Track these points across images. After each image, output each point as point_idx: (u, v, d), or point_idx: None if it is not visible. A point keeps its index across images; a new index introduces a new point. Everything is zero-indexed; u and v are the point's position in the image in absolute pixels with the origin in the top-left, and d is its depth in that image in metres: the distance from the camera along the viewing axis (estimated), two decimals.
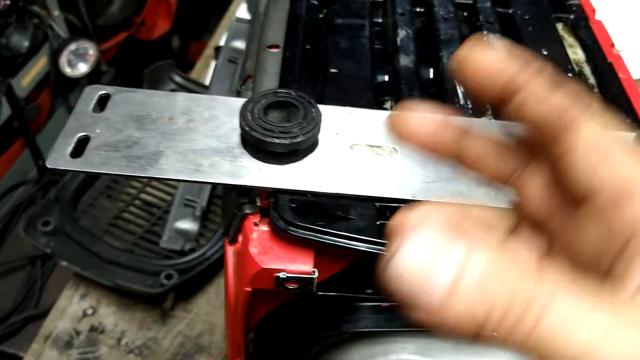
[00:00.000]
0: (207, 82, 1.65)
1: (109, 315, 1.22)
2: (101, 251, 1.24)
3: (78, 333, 1.20)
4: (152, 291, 1.17)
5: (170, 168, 0.55)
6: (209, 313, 1.23)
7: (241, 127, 0.56)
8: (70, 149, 0.56)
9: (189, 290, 1.25)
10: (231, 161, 0.56)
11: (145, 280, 1.19)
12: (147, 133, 0.58)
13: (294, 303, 0.59)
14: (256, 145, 0.56)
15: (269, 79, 0.67)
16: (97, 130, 0.58)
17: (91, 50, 2.11)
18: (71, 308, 1.24)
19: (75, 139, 0.56)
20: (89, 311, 1.23)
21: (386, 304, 0.61)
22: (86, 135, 0.57)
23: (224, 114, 0.61)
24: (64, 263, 1.24)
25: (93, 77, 2.17)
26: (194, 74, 1.74)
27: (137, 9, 2.32)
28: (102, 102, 0.61)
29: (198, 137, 0.58)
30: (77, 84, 2.16)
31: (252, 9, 0.86)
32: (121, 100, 0.61)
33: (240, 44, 1.52)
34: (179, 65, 1.68)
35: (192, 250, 1.26)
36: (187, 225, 1.30)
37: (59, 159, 0.55)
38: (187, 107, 0.61)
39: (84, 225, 1.31)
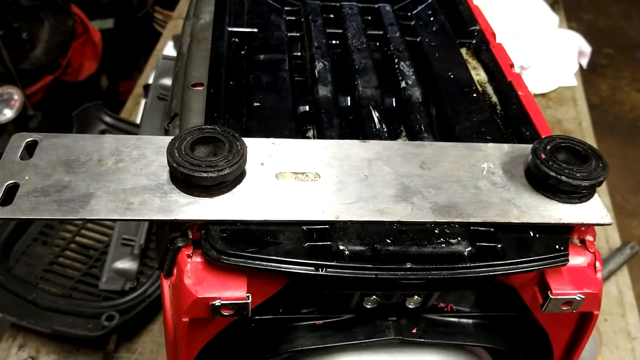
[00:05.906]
0: (138, 120, 1.65)
1: None
2: (37, 299, 1.21)
3: None
4: (93, 334, 1.15)
5: (101, 208, 0.57)
6: (153, 351, 1.22)
7: (169, 163, 0.59)
8: None
9: (131, 329, 1.24)
10: (161, 197, 0.58)
11: (85, 324, 1.17)
12: (77, 176, 0.60)
13: (232, 329, 0.61)
14: (185, 180, 0.58)
15: (195, 116, 0.70)
16: (26, 177, 0.59)
17: (16, 96, 2.09)
18: None
19: (3, 188, 0.57)
20: None
21: (320, 321, 0.64)
22: (15, 182, 0.58)
23: (152, 152, 0.63)
24: None
25: (19, 122, 2.13)
26: (124, 113, 1.74)
27: (61, 52, 2.29)
28: (30, 149, 0.62)
29: (127, 177, 0.60)
30: (4, 130, 2.11)
31: (178, 47, 0.88)
32: (49, 146, 0.63)
33: (168, 81, 1.55)
34: (109, 104, 1.68)
35: (133, 289, 1.26)
36: (126, 264, 1.29)
37: None
38: (115, 148, 0.63)
39: (18, 273, 1.28)
